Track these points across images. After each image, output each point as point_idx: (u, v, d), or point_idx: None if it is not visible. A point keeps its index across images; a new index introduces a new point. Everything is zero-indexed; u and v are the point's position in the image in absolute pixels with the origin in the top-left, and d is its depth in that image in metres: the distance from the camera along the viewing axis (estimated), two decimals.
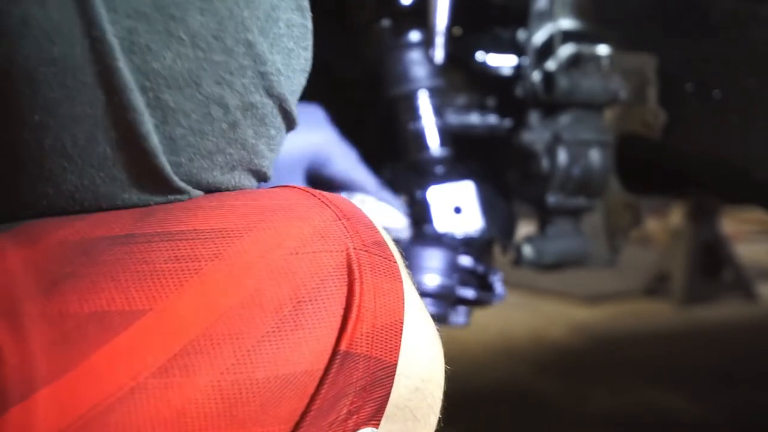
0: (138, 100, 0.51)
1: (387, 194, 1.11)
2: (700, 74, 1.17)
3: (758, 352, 2.59)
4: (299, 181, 1.04)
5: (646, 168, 1.40)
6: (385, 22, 1.17)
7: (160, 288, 0.50)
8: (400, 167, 1.20)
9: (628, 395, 2.20)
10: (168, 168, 0.54)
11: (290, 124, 0.60)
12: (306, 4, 0.58)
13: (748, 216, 4.17)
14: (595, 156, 1.22)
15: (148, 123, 0.52)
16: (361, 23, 1.18)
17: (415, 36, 1.17)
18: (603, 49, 1.25)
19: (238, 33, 0.54)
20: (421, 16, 1.18)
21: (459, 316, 1.18)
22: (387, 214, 1.11)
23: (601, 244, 1.31)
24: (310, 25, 0.59)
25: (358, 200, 1.08)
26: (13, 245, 0.51)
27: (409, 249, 1.12)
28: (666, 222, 3.73)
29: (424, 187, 1.17)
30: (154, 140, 0.53)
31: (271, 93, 0.57)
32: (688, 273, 3.14)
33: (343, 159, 1.05)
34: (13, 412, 0.46)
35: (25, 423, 0.46)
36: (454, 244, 1.16)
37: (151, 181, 0.54)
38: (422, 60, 1.17)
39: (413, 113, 1.16)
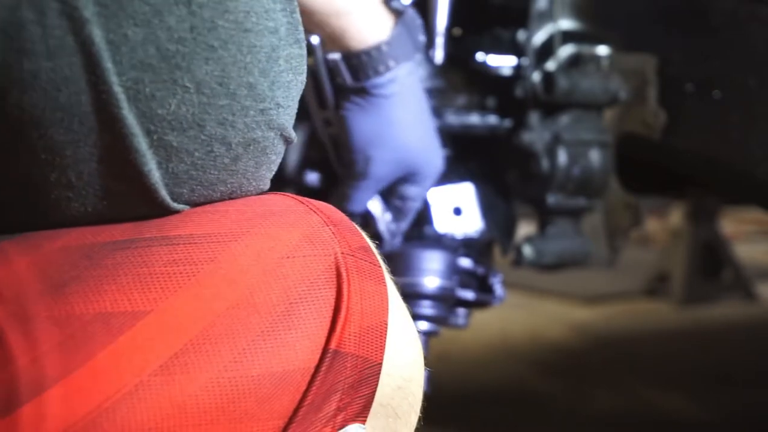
0: (141, 143, 0.53)
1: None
2: (700, 74, 1.17)
3: (758, 352, 2.59)
4: (387, 181, 1.05)
5: (646, 168, 1.40)
6: None
7: (159, 290, 0.53)
8: None
9: (628, 395, 2.20)
10: (168, 200, 0.56)
11: (289, 142, 0.62)
12: (302, 36, 0.60)
13: (748, 216, 4.16)
14: (595, 156, 1.22)
15: (150, 162, 0.54)
16: None
17: None
18: (603, 49, 1.25)
19: (241, 77, 0.55)
20: (421, 16, 1.18)
21: (458, 317, 1.18)
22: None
23: (601, 244, 1.31)
24: (305, 52, 0.60)
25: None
26: (18, 251, 0.53)
27: (409, 251, 1.12)
28: (666, 222, 3.72)
29: None
30: (156, 177, 0.55)
31: (271, 126, 0.58)
32: (687, 273, 3.14)
33: (425, 187, 1.08)
34: (25, 410, 0.48)
35: (36, 420, 0.48)
36: (453, 246, 1.16)
37: (153, 209, 0.56)
38: (422, 60, 1.16)
39: None
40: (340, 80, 1.00)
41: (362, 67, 0.98)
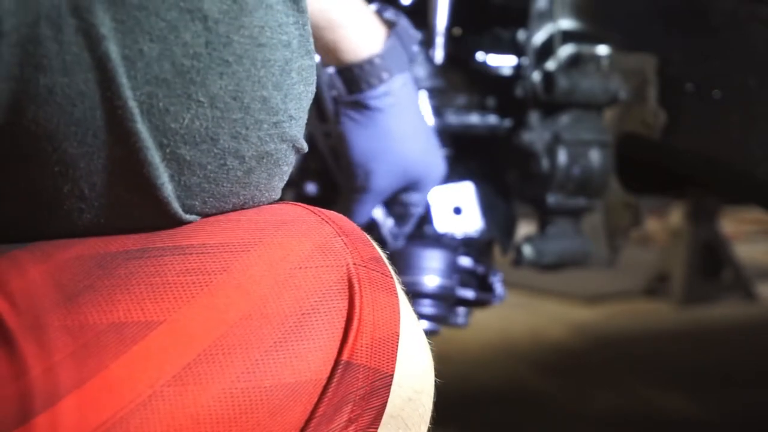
0: (154, 157, 0.53)
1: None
2: (700, 74, 1.17)
3: (758, 352, 2.59)
4: (391, 190, 1.06)
5: (646, 168, 1.40)
6: None
7: (172, 300, 0.53)
8: None
9: (628, 395, 2.20)
10: (180, 212, 0.56)
11: (300, 153, 0.62)
12: (313, 47, 0.60)
13: (748, 216, 4.16)
14: (595, 156, 1.22)
15: (163, 175, 0.54)
16: None
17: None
18: (603, 49, 1.25)
19: (255, 91, 0.55)
20: (421, 16, 1.18)
21: (459, 316, 1.18)
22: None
23: (601, 244, 1.31)
24: (314, 62, 0.61)
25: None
26: (31, 259, 0.53)
27: (409, 250, 1.12)
28: (666, 222, 3.72)
29: None
30: (168, 189, 0.55)
31: (284, 138, 0.59)
32: (687, 273, 3.14)
33: (426, 195, 1.09)
34: (39, 421, 0.48)
35: (49, 430, 0.48)
36: (454, 245, 1.16)
37: (164, 221, 0.57)
38: (422, 60, 1.17)
39: None
40: (335, 94, 1.00)
41: (356, 80, 0.98)
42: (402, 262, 1.11)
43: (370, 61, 0.97)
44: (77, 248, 0.54)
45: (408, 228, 1.11)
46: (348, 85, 0.98)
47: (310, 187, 1.19)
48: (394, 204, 1.08)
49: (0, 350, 0.49)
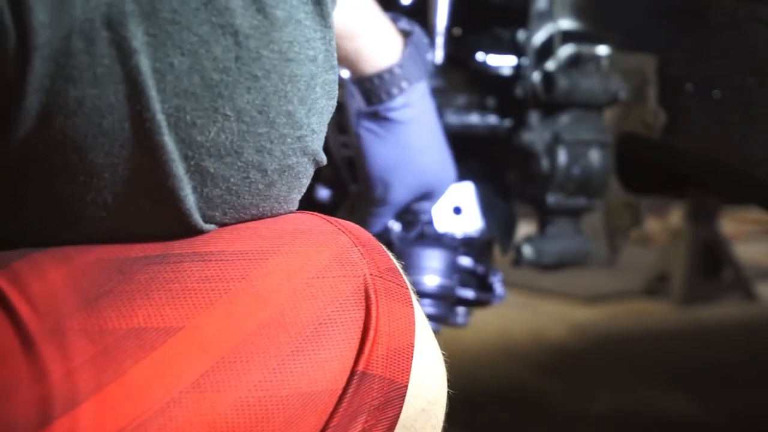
0: (179, 169, 0.53)
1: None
2: (700, 74, 1.17)
3: (758, 352, 2.59)
4: (406, 201, 1.06)
5: (646, 168, 1.40)
6: None
7: (191, 306, 0.53)
8: None
9: (628, 395, 2.20)
10: (201, 223, 0.56)
11: (319, 165, 0.62)
12: (336, 62, 0.60)
13: (748, 216, 4.16)
14: (595, 156, 1.22)
15: (186, 187, 0.54)
16: None
17: None
18: (603, 49, 1.25)
19: (281, 106, 0.56)
20: (421, 16, 1.18)
21: (459, 316, 1.18)
22: None
23: (601, 244, 1.31)
24: (337, 77, 0.61)
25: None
26: (52, 263, 0.54)
27: (409, 249, 1.12)
28: (666, 222, 3.72)
29: None
30: (191, 201, 0.55)
31: (306, 152, 0.59)
32: (687, 273, 3.14)
33: (436, 203, 1.10)
34: (59, 424, 0.48)
35: None
36: (453, 245, 1.16)
37: (184, 230, 0.57)
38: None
39: None
40: (355, 105, 1.00)
41: (375, 91, 0.98)
42: (402, 261, 1.11)
43: (390, 71, 0.97)
44: (97, 252, 0.55)
45: (415, 232, 1.11)
46: (367, 95, 0.98)
47: (323, 193, 1.19)
48: (404, 212, 1.08)
49: (20, 353, 0.49)
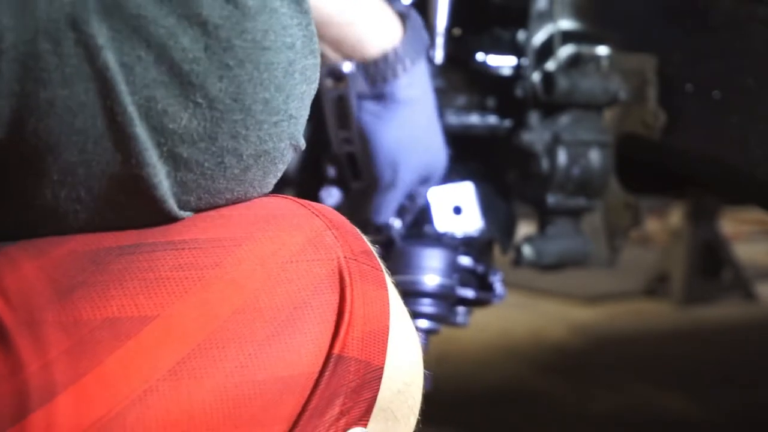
0: (152, 157, 0.53)
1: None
2: (700, 74, 1.17)
3: (758, 352, 2.59)
4: (408, 190, 1.08)
5: (646, 168, 1.40)
6: None
7: (166, 295, 0.53)
8: None
9: (628, 395, 2.20)
10: (176, 209, 0.56)
11: (298, 151, 0.62)
12: (317, 46, 0.60)
13: (748, 216, 4.16)
14: (595, 156, 1.23)
15: (160, 173, 0.54)
16: None
17: None
18: (603, 50, 1.25)
19: (257, 93, 0.55)
20: (421, 16, 1.18)
21: (459, 316, 1.18)
22: None
23: (601, 244, 1.31)
24: (319, 60, 0.61)
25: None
26: (25, 256, 0.53)
27: (409, 249, 1.12)
28: (666, 222, 3.72)
29: None
30: (165, 187, 0.55)
31: (282, 138, 0.58)
32: (687, 273, 3.14)
33: (430, 188, 1.11)
34: (35, 417, 0.48)
35: (46, 427, 0.48)
36: (454, 244, 1.16)
37: (159, 218, 0.57)
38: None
39: None
40: (356, 92, 1.00)
41: (380, 72, 0.98)
42: (402, 261, 1.11)
43: (393, 51, 0.99)
44: (71, 244, 0.55)
45: (409, 219, 1.12)
46: (372, 78, 0.99)
47: (334, 193, 1.19)
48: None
49: None
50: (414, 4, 1.16)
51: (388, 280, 0.63)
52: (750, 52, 1.12)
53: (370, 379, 0.60)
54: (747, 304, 3.21)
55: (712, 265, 3.20)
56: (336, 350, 0.57)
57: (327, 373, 0.57)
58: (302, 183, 1.20)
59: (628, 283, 3.25)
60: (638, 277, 3.27)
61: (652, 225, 3.90)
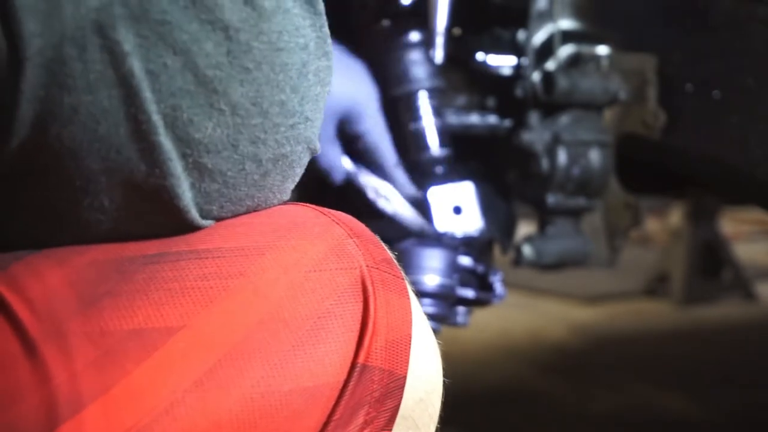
0: (177, 167, 0.53)
1: (401, 174, 1.16)
2: (700, 74, 1.17)
3: (758, 352, 2.59)
4: (331, 131, 1.09)
5: (646, 168, 1.40)
6: (386, 23, 1.16)
7: (191, 305, 0.53)
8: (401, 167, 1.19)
9: (628, 395, 2.20)
10: (198, 218, 0.56)
11: (314, 154, 0.62)
12: (330, 48, 0.60)
13: (748, 216, 4.17)
14: (595, 156, 1.22)
15: (184, 184, 0.54)
16: (361, 23, 1.18)
17: (415, 36, 1.17)
18: (603, 49, 1.25)
19: (273, 96, 0.56)
20: (421, 16, 1.18)
21: (459, 316, 1.18)
22: (402, 206, 1.13)
23: (601, 244, 1.31)
24: (332, 63, 0.61)
25: (377, 184, 1.11)
26: (48, 265, 0.53)
27: (409, 249, 1.12)
28: (666, 222, 3.72)
29: (425, 188, 1.17)
30: (188, 198, 0.55)
31: (299, 140, 0.59)
32: (687, 273, 3.14)
33: (375, 121, 1.12)
34: (64, 428, 0.48)
35: None
36: (454, 244, 1.16)
37: (181, 227, 0.57)
38: (422, 60, 1.17)
39: (413, 114, 1.16)
40: None
41: None
42: (402, 260, 1.11)
43: None
44: (92, 253, 0.55)
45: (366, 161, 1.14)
46: None
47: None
48: (347, 142, 1.11)
49: (23, 358, 0.49)
50: (414, 4, 1.16)
51: (409, 288, 0.63)
52: (750, 52, 1.12)
53: (394, 388, 0.60)
54: (747, 304, 3.21)
55: (712, 265, 3.20)
56: (360, 360, 0.57)
57: (352, 383, 0.57)
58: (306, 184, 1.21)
59: (628, 283, 3.25)
60: (638, 277, 3.27)
61: (652, 225, 3.91)
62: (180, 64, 0.51)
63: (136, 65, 0.50)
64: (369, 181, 1.14)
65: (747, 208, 3.21)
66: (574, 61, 1.24)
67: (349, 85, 1.08)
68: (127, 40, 0.50)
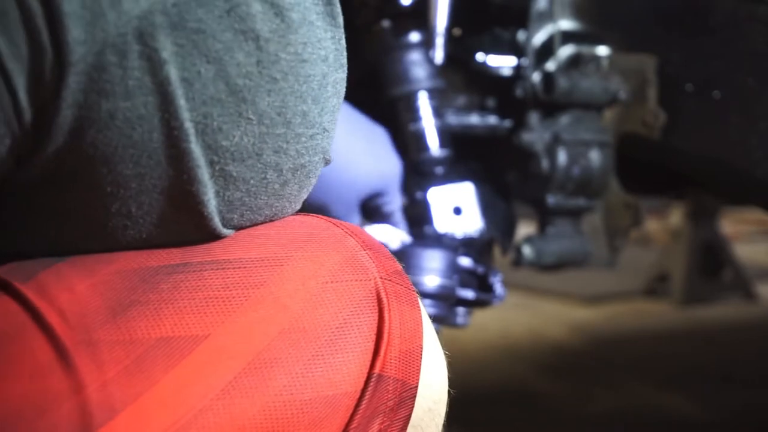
0: (204, 174, 0.54)
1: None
2: (700, 74, 1.17)
3: (758, 352, 2.59)
4: (355, 205, 1.10)
5: (646, 168, 1.40)
6: (386, 23, 1.17)
7: (215, 314, 0.54)
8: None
9: (628, 395, 2.20)
10: (220, 226, 0.57)
11: (327, 163, 0.63)
12: (345, 60, 0.61)
13: (748, 216, 4.17)
14: (595, 156, 1.22)
15: (210, 192, 0.55)
16: (361, 24, 1.18)
17: (415, 37, 1.17)
18: (603, 50, 1.25)
19: (297, 106, 0.57)
20: (421, 16, 1.18)
21: (459, 316, 1.18)
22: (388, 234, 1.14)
23: (601, 244, 1.31)
24: (346, 75, 0.62)
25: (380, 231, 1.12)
26: (77, 274, 0.54)
27: (409, 249, 1.12)
28: (666, 222, 3.72)
29: (424, 188, 1.17)
30: (212, 205, 0.56)
31: (317, 151, 0.60)
32: (687, 273, 3.14)
33: (396, 191, 1.14)
34: None
35: None
36: (454, 245, 1.16)
37: (203, 235, 0.58)
38: (422, 61, 1.17)
39: (413, 114, 1.16)
40: None
41: None
42: (402, 261, 1.11)
43: None
44: (119, 262, 0.56)
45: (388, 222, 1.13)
46: None
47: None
48: (370, 211, 1.12)
49: (57, 365, 0.50)
50: (414, 4, 1.16)
51: (419, 300, 0.64)
52: (750, 52, 1.12)
53: (406, 397, 0.61)
54: (747, 304, 3.21)
55: (712, 265, 3.20)
56: (377, 369, 0.58)
57: (368, 393, 0.58)
58: None
59: (628, 283, 3.25)
60: (638, 277, 3.27)
61: (652, 225, 3.91)
62: (213, 72, 0.53)
63: (173, 73, 0.51)
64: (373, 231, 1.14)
65: (747, 208, 3.21)
66: (574, 62, 1.24)
67: (379, 163, 1.10)
68: (165, 48, 0.51)
